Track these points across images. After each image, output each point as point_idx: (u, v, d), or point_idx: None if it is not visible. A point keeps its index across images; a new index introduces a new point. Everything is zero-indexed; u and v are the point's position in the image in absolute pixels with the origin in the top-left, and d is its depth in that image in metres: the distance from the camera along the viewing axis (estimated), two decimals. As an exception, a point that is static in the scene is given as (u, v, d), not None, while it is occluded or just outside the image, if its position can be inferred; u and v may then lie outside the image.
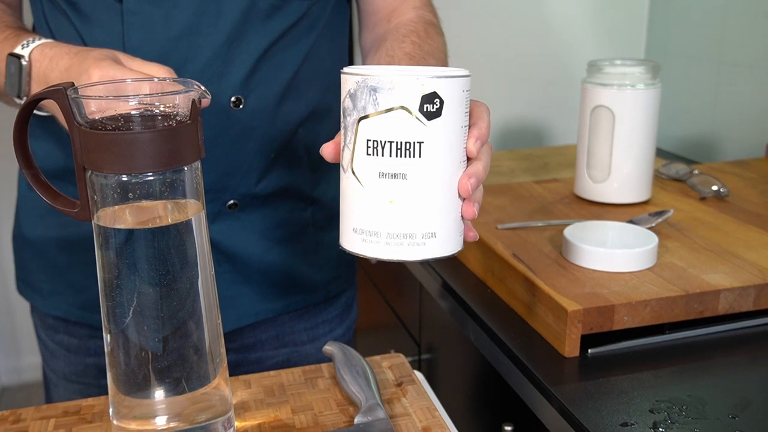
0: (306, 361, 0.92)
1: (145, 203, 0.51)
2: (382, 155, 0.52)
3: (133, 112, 0.49)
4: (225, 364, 0.57)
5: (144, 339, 0.52)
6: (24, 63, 0.69)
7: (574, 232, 0.86)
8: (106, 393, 0.61)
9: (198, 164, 0.52)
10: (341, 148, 0.55)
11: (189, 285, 0.52)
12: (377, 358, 0.72)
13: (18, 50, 0.70)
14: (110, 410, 0.55)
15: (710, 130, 1.54)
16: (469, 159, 0.54)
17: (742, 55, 1.44)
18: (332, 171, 0.90)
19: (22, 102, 0.69)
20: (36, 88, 0.68)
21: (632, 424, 0.63)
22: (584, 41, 1.69)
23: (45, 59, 0.68)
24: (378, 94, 0.51)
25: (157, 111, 0.50)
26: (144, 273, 0.51)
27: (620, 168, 1.03)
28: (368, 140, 0.52)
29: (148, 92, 0.54)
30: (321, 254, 0.91)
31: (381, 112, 0.51)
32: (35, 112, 0.76)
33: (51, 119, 0.77)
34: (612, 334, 0.76)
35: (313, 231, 0.89)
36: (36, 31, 0.82)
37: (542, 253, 0.87)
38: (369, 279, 1.51)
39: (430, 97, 0.51)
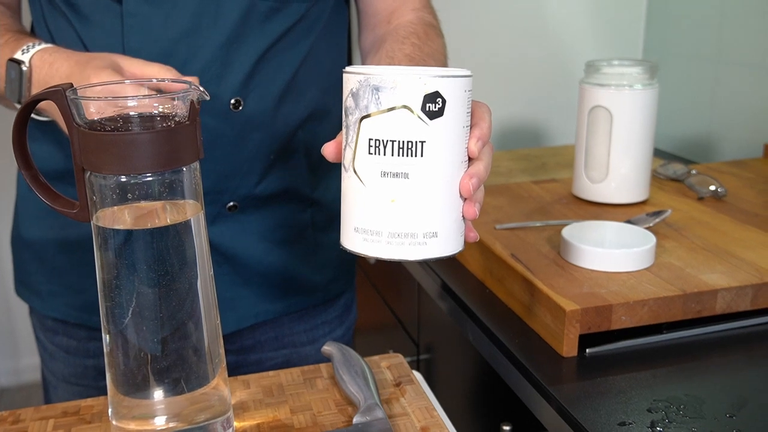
0: (305, 362, 0.92)
1: (143, 204, 0.51)
2: (384, 154, 0.52)
3: (131, 113, 0.49)
4: (224, 364, 0.57)
5: (143, 339, 0.52)
6: (24, 69, 0.69)
7: (573, 232, 0.86)
8: (105, 395, 0.61)
9: (197, 165, 0.53)
10: (343, 147, 0.55)
11: (188, 285, 0.53)
12: (376, 358, 0.72)
13: (18, 55, 0.69)
14: (109, 410, 0.55)
15: (708, 130, 1.54)
16: (470, 159, 0.55)
17: (740, 55, 1.44)
18: (332, 172, 0.90)
19: None
20: None
21: (630, 424, 0.63)
22: (582, 42, 1.69)
23: (45, 65, 0.68)
24: (380, 93, 0.51)
25: (156, 112, 0.50)
26: (143, 273, 0.51)
27: (618, 168, 1.03)
28: (370, 139, 0.52)
29: (146, 94, 0.54)
30: (320, 256, 0.91)
31: (383, 111, 0.51)
32: (35, 117, 0.76)
33: (51, 123, 0.77)
34: (610, 334, 0.76)
35: (312, 232, 0.89)
36: (35, 32, 0.82)
37: (540, 253, 0.87)
38: (368, 279, 1.52)
39: (433, 97, 0.51)
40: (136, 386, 0.53)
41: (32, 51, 0.69)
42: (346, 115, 0.54)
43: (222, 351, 0.57)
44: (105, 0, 0.75)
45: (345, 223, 0.56)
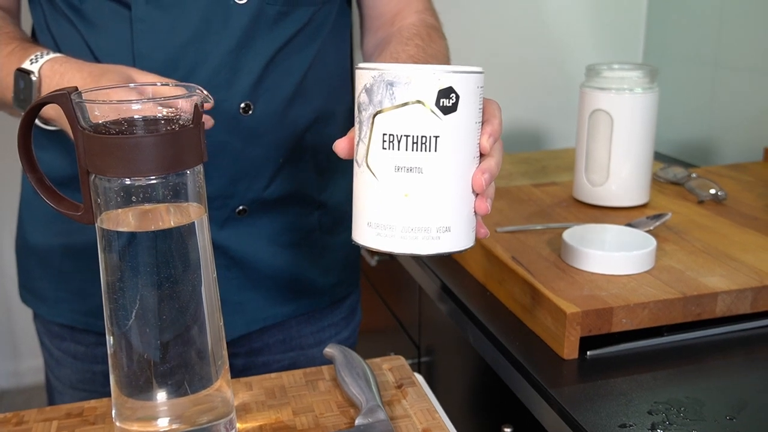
0: (312, 363, 0.93)
1: (147, 206, 0.51)
2: (398, 149, 0.52)
3: (136, 117, 0.50)
4: (227, 366, 0.57)
5: (146, 341, 0.52)
6: (34, 79, 0.68)
7: (573, 235, 0.87)
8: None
9: (200, 168, 0.53)
10: (355, 143, 0.55)
11: (191, 288, 0.53)
12: (377, 360, 0.72)
13: (27, 65, 0.69)
14: (113, 412, 0.55)
15: (708, 134, 1.54)
16: (481, 155, 0.55)
17: (740, 59, 1.44)
18: (338, 175, 0.90)
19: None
20: None
21: (630, 426, 0.64)
22: (583, 46, 1.70)
23: (56, 76, 0.67)
24: (395, 89, 0.51)
25: (160, 115, 0.50)
26: (146, 276, 0.51)
27: (618, 171, 1.03)
28: (384, 134, 0.52)
29: (151, 97, 0.54)
30: (327, 258, 0.91)
31: (397, 107, 0.52)
32: (42, 125, 0.76)
33: (58, 131, 0.76)
34: (610, 337, 0.77)
35: (319, 235, 0.90)
36: (36, 37, 0.82)
37: (541, 256, 0.87)
38: (369, 282, 1.52)
39: (447, 92, 0.51)
40: (139, 388, 0.53)
41: (41, 61, 0.69)
42: (359, 111, 0.54)
43: (225, 353, 0.57)
44: (113, 5, 0.75)
45: (357, 219, 0.56)
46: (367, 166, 0.54)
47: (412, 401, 0.66)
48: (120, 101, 0.51)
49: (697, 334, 0.79)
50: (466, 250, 0.56)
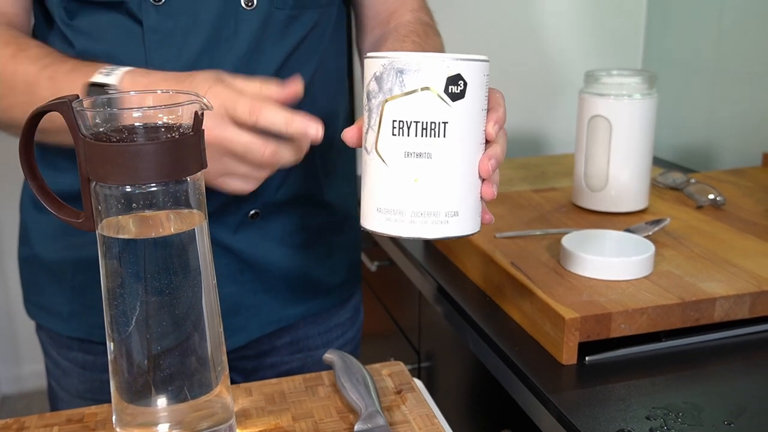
0: (319, 364, 0.93)
1: (148, 213, 0.51)
2: (408, 135, 0.54)
3: (136, 124, 0.50)
4: (227, 372, 0.57)
5: (146, 347, 0.53)
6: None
7: (572, 240, 0.87)
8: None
9: (201, 175, 0.53)
10: (364, 131, 0.56)
11: (191, 294, 0.53)
12: (377, 365, 0.73)
13: (100, 78, 0.65)
14: (113, 418, 0.55)
15: (707, 139, 1.55)
16: (487, 142, 0.57)
17: (739, 64, 1.45)
18: (340, 175, 0.91)
19: None
20: None
21: (629, 431, 0.64)
22: (581, 51, 1.70)
23: (140, 88, 0.64)
24: (404, 76, 0.53)
25: (161, 123, 0.51)
26: (146, 282, 0.52)
27: (617, 177, 1.04)
28: (394, 121, 0.54)
29: (151, 104, 0.55)
30: (334, 258, 0.92)
31: (407, 93, 0.53)
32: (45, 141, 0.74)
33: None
34: (609, 342, 0.77)
35: (326, 235, 0.91)
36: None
37: (540, 262, 0.88)
38: (369, 288, 1.52)
39: (455, 79, 0.53)
40: (139, 394, 0.54)
41: (118, 72, 0.65)
42: (369, 99, 0.55)
43: (225, 359, 0.57)
44: (123, 20, 0.74)
45: (366, 205, 0.57)
46: (377, 152, 0.55)
47: (412, 407, 0.66)
48: (120, 109, 0.52)
49: (696, 339, 0.79)
50: (472, 234, 0.57)
